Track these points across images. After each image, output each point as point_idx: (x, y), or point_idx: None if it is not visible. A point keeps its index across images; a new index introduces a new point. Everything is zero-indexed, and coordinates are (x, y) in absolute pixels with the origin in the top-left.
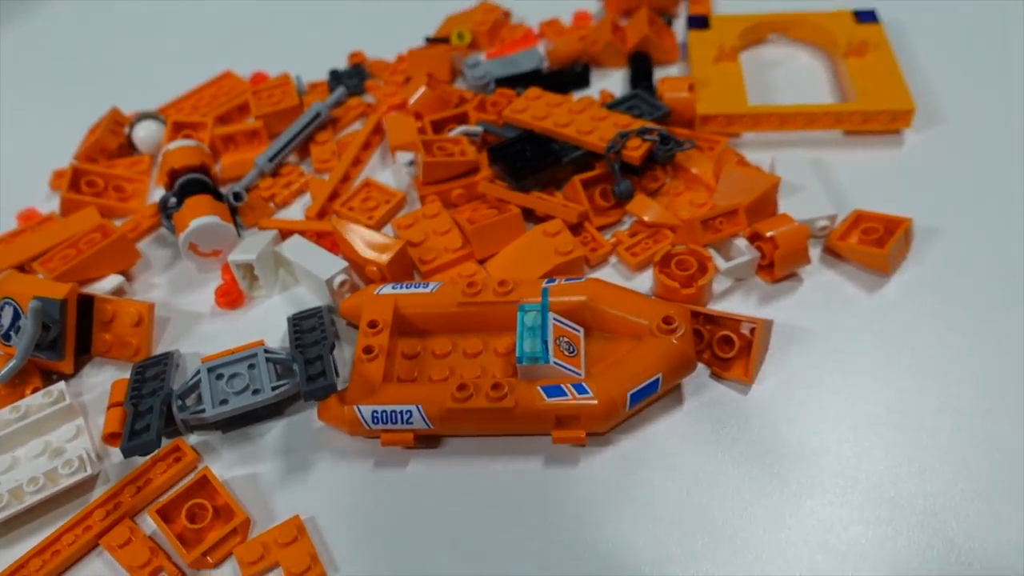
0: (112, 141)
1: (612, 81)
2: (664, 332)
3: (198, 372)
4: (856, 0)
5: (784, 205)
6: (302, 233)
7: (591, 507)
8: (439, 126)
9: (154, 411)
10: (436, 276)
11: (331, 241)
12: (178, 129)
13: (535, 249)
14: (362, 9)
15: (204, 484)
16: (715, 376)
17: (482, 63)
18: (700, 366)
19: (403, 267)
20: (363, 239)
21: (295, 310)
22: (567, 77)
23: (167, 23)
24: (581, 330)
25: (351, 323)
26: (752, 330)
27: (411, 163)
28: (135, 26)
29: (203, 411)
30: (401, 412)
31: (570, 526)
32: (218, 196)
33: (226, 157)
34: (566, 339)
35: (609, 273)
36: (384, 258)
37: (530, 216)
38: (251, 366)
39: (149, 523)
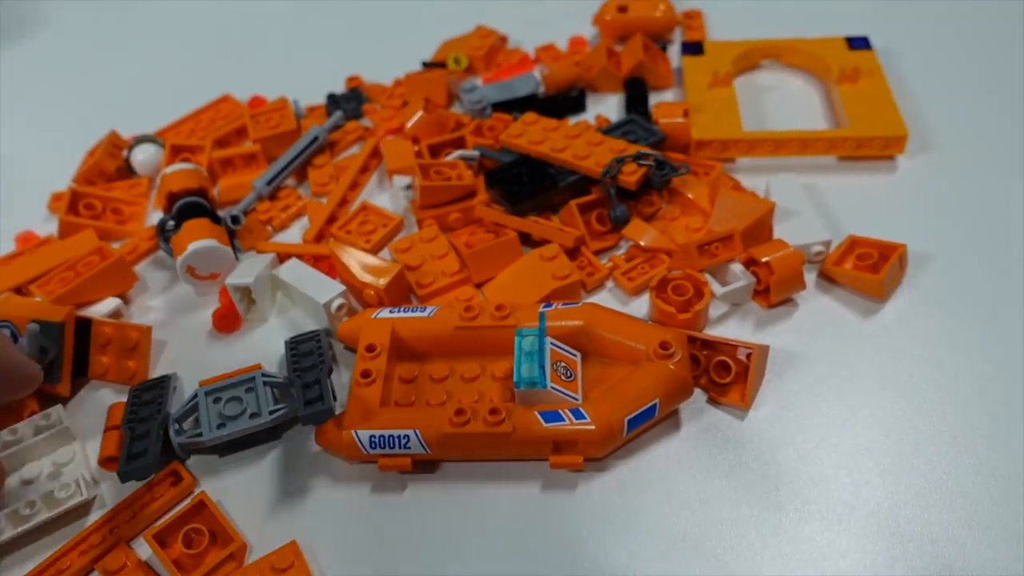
0: (110, 164)
1: (607, 106)
2: (661, 357)
3: (195, 396)
4: (848, 26)
5: (779, 230)
6: (300, 256)
7: (589, 532)
8: (436, 150)
9: (151, 435)
10: (433, 300)
11: (328, 265)
12: (176, 152)
13: (532, 273)
14: (359, 33)
15: (201, 508)
16: (712, 401)
17: (478, 88)
18: (697, 391)
19: (400, 291)
20: (360, 263)
21: (292, 333)
22: (563, 102)
23: (165, 47)
24: (578, 355)
25: (348, 347)
26: (748, 355)
27: (408, 187)
28: (133, 49)
29: (200, 435)
30: (399, 437)
31: (568, 551)
32: (216, 219)
33: (224, 180)
34: (563, 364)
35: (605, 298)
36: (382, 282)
37: (527, 240)
38: (249, 390)
39: (145, 548)
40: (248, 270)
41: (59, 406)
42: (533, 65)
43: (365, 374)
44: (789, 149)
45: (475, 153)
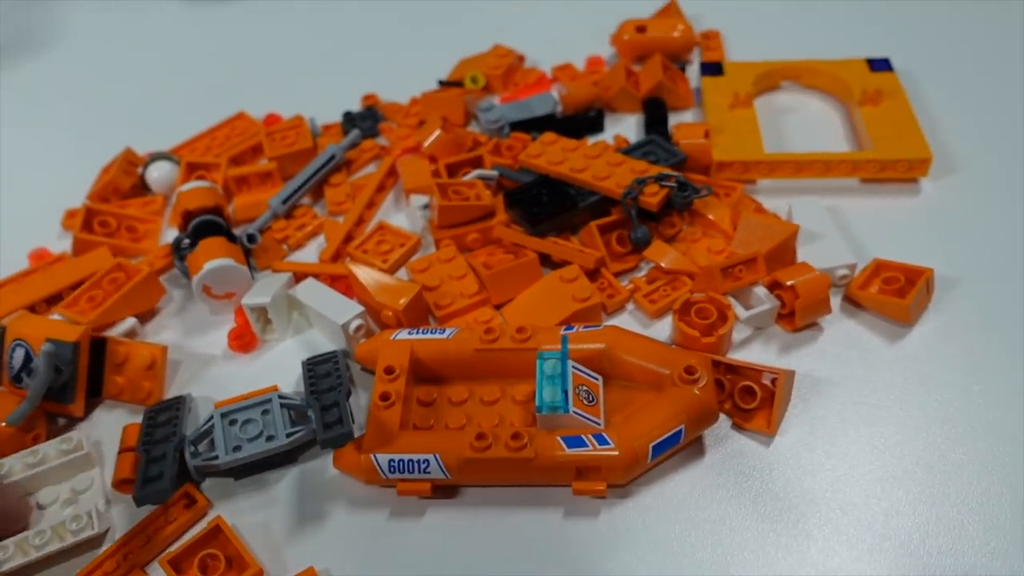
0: (125, 181)
1: (626, 126)
2: (686, 382)
3: (211, 418)
4: (867, 48)
5: (803, 253)
6: (316, 276)
7: (612, 560)
8: (453, 170)
9: (167, 458)
10: (452, 321)
11: (345, 284)
12: (192, 170)
13: (552, 295)
14: (375, 52)
15: (217, 533)
16: (736, 427)
17: (496, 107)
18: (721, 416)
19: (419, 312)
20: (378, 283)
21: (308, 354)
22: (581, 122)
23: (181, 64)
24: (600, 378)
25: (366, 368)
26: (774, 380)
27: (425, 206)
28: (149, 66)
29: (216, 458)
30: (418, 461)
31: None
32: (232, 238)
33: (239, 198)
34: (585, 388)
35: (626, 320)
36: (401, 303)
37: (546, 261)
38: (265, 412)
39: (160, 573)
40: (264, 290)
41: (79, 432)
42: (550, 85)
43: (384, 397)
44: (811, 171)
45: (494, 173)
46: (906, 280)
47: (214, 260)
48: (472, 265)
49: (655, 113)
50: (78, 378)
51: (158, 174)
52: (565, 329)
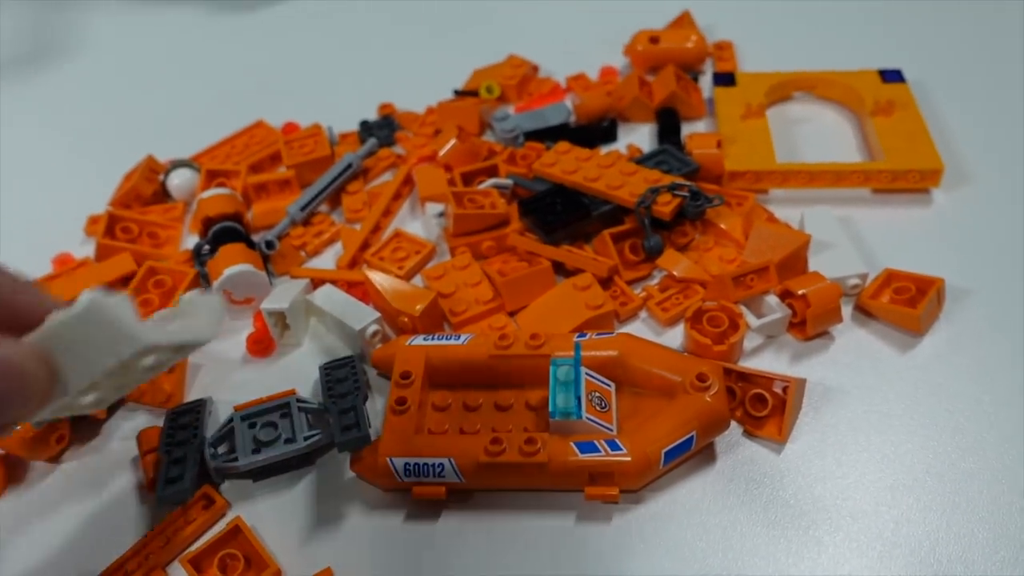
0: (147, 188)
1: (639, 136)
2: (698, 389)
3: (231, 420)
4: (879, 59)
5: (814, 263)
6: (333, 282)
7: (624, 565)
8: (469, 178)
9: (188, 459)
10: (467, 328)
11: (362, 291)
12: (212, 177)
13: (565, 302)
14: (392, 62)
15: (236, 533)
16: (748, 434)
17: (511, 116)
18: (732, 424)
19: (434, 318)
20: (394, 289)
21: (325, 359)
22: (594, 131)
23: (201, 73)
24: (612, 385)
25: (381, 373)
26: (785, 388)
27: (441, 214)
28: (170, 75)
29: (236, 460)
30: (433, 465)
31: None
32: (251, 244)
33: (258, 205)
34: (598, 394)
35: (639, 328)
36: (417, 309)
37: (559, 269)
38: (284, 415)
39: (180, 572)
40: (282, 295)
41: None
42: (564, 95)
43: (400, 401)
44: (823, 181)
45: (508, 182)
46: (917, 290)
47: (234, 266)
48: (487, 272)
49: (668, 123)
50: None
51: (179, 181)
52: (578, 336)
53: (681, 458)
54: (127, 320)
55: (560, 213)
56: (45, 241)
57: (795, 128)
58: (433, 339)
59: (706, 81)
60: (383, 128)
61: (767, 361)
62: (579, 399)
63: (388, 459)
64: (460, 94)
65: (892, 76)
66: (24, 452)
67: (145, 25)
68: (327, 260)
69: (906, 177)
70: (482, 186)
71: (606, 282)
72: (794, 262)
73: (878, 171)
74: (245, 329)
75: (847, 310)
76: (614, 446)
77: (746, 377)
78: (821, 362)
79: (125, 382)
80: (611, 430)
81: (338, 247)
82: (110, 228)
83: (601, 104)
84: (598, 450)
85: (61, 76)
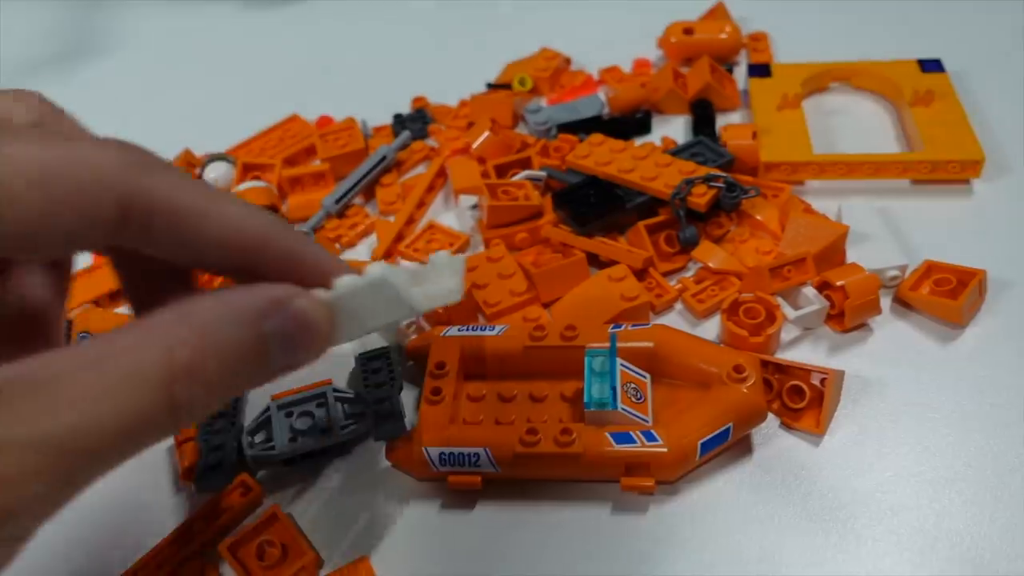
0: None
1: (673, 128)
2: (734, 381)
3: (268, 409)
4: (916, 49)
5: (852, 254)
6: None
7: (660, 556)
8: (502, 170)
9: (226, 447)
10: (501, 319)
11: None
12: (247, 170)
13: (600, 294)
14: (425, 55)
15: (273, 521)
16: (785, 426)
17: (543, 108)
18: (769, 416)
19: (468, 310)
20: None
21: (360, 350)
22: (628, 123)
23: (236, 67)
24: (648, 376)
25: (416, 364)
26: (823, 380)
27: (475, 206)
28: (206, 70)
29: (273, 448)
30: (469, 455)
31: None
32: None
33: (293, 198)
34: (633, 385)
35: (674, 319)
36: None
37: (593, 261)
38: (320, 404)
39: (217, 559)
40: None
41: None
42: (597, 87)
43: (435, 392)
44: (861, 172)
45: (542, 174)
46: (958, 282)
47: None
48: (521, 264)
49: (703, 114)
50: None
51: (215, 174)
52: (613, 327)
53: (717, 450)
54: (407, 291)
55: (594, 205)
56: None
57: (831, 119)
58: (467, 330)
59: (740, 72)
60: (416, 121)
61: (804, 353)
62: (614, 390)
63: (424, 449)
64: (493, 87)
65: (931, 66)
66: None
67: (181, 20)
68: (362, 252)
69: (946, 168)
70: (515, 178)
71: (641, 274)
72: (832, 254)
73: (918, 162)
74: None
75: (886, 302)
76: (650, 437)
77: (783, 369)
78: (859, 354)
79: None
80: (647, 421)
81: (372, 239)
82: None
83: (635, 96)
84: (634, 441)
85: (98, 73)
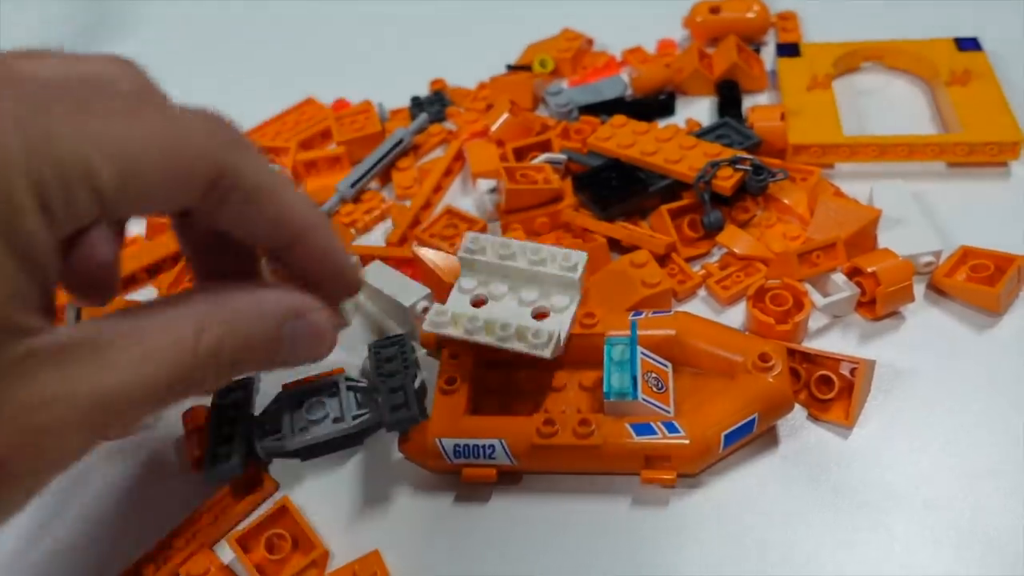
0: None
1: (697, 109)
2: (760, 370)
3: (279, 399)
4: (955, 26)
5: (884, 239)
6: (383, 260)
7: (682, 551)
8: (521, 153)
9: (236, 438)
10: None
11: (412, 268)
12: (262, 154)
13: (621, 280)
14: (442, 37)
15: (283, 514)
16: (812, 417)
17: (564, 90)
18: (796, 406)
19: None
20: (446, 266)
21: (374, 337)
22: (651, 105)
23: (249, 50)
24: (669, 365)
25: (431, 353)
26: (853, 370)
27: (493, 190)
28: (218, 53)
29: (283, 439)
30: (484, 446)
31: (660, 570)
32: None
33: (308, 182)
34: (654, 375)
35: (697, 306)
36: None
37: (614, 246)
38: (332, 394)
39: (227, 552)
40: None
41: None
42: (620, 68)
43: (450, 381)
44: (894, 155)
45: (562, 156)
46: (996, 268)
47: None
48: None
49: (729, 95)
50: None
51: None
52: (634, 314)
53: (741, 441)
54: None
55: (616, 188)
56: None
57: (863, 100)
58: None
59: (768, 52)
60: (434, 104)
61: (833, 342)
62: (635, 379)
63: (437, 440)
64: (513, 69)
65: (968, 44)
66: None
67: (196, 2)
68: (377, 237)
69: (984, 150)
70: (535, 161)
71: (663, 259)
72: (863, 239)
73: (954, 144)
74: None
75: (919, 289)
76: (672, 428)
77: (811, 358)
78: (891, 343)
79: None
80: (668, 412)
81: (388, 224)
82: None
83: (659, 77)
84: (655, 432)
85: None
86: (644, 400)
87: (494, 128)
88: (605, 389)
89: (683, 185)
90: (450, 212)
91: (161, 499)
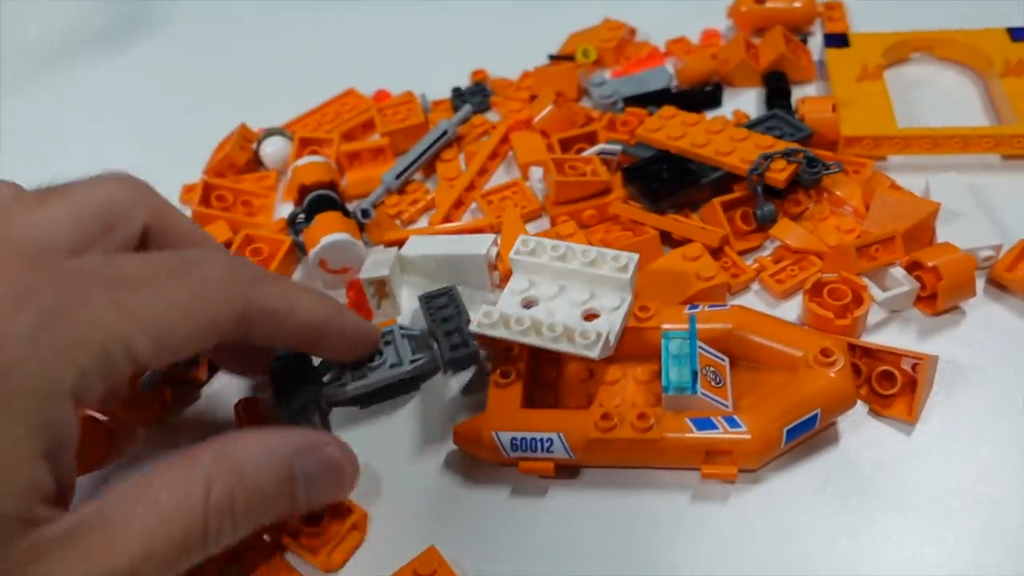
0: (240, 156)
1: (744, 101)
2: (822, 365)
3: None
4: (1007, 16)
5: (942, 233)
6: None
7: (743, 548)
8: (567, 145)
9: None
10: None
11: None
12: (304, 145)
13: (674, 274)
14: (483, 27)
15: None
16: (874, 413)
17: (608, 81)
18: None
19: None
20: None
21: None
22: (697, 96)
23: (291, 42)
24: (727, 360)
25: (483, 344)
26: (915, 366)
27: (539, 180)
28: (261, 44)
29: (344, 384)
30: (541, 440)
31: (720, 567)
32: (346, 213)
33: (351, 174)
34: (712, 369)
35: (751, 300)
36: None
37: (664, 240)
38: (388, 343)
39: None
40: (378, 264)
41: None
42: (663, 59)
43: (505, 374)
44: (948, 147)
45: (616, 148)
46: None
47: (331, 235)
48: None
49: (777, 87)
50: None
51: (272, 149)
52: (689, 308)
53: (803, 437)
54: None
55: (667, 180)
56: None
57: (913, 91)
58: None
59: (815, 43)
60: (476, 95)
61: (891, 337)
62: (694, 373)
63: (494, 433)
64: (555, 59)
65: (1021, 34)
66: (127, 415)
67: None
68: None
69: None
70: (587, 153)
71: (715, 253)
72: (921, 232)
73: (1010, 136)
74: (339, 300)
75: (978, 284)
76: (733, 423)
77: (872, 353)
78: (952, 338)
79: None
80: (727, 406)
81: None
82: (205, 196)
83: (706, 68)
84: (716, 427)
85: (154, 47)
86: (703, 394)
87: (538, 119)
88: (664, 383)
89: (734, 177)
90: (516, 185)
91: None
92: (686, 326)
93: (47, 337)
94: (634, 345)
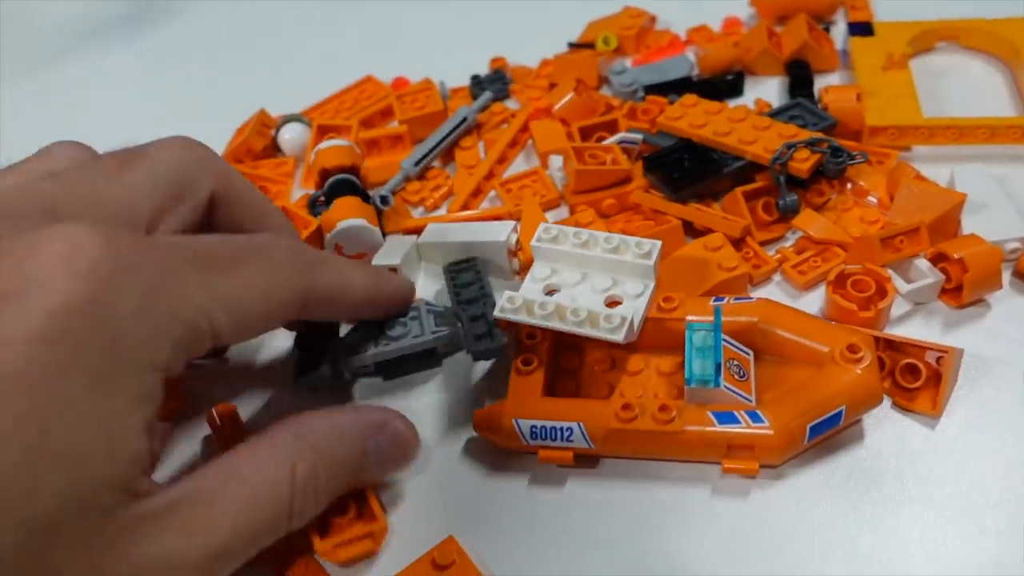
0: (258, 142)
1: (766, 89)
2: (849, 361)
3: (362, 322)
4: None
5: (967, 224)
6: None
7: (763, 544)
8: (587, 133)
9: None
10: None
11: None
12: (323, 132)
13: (696, 264)
14: (502, 15)
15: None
16: (897, 407)
17: (629, 70)
18: None
19: None
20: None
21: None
22: (719, 85)
23: (310, 28)
24: (751, 353)
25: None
26: (939, 359)
27: (561, 169)
28: (279, 30)
29: (366, 351)
30: (562, 429)
31: (740, 562)
32: (366, 198)
33: (369, 161)
34: (736, 362)
35: (772, 291)
36: None
37: (686, 229)
38: (412, 317)
39: None
40: (393, 251)
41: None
42: (684, 47)
43: (526, 362)
44: (975, 137)
45: (637, 136)
46: None
47: (348, 220)
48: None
49: (800, 75)
50: None
51: (290, 135)
52: (715, 300)
53: (827, 434)
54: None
55: (689, 170)
56: None
57: (938, 81)
58: None
59: (837, 32)
60: (495, 82)
61: (916, 329)
62: (718, 366)
63: (514, 420)
64: (575, 47)
65: None
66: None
67: None
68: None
69: None
70: (607, 142)
71: (737, 243)
72: (946, 224)
73: None
74: None
75: (1005, 276)
76: (755, 418)
77: (896, 346)
78: (977, 331)
79: None
80: (750, 400)
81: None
82: None
83: (728, 56)
84: (738, 421)
85: (172, 33)
86: (726, 388)
87: (558, 107)
88: (687, 375)
89: (756, 167)
90: (535, 174)
91: None
92: (711, 318)
93: (150, 312)
94: (658, 336)
